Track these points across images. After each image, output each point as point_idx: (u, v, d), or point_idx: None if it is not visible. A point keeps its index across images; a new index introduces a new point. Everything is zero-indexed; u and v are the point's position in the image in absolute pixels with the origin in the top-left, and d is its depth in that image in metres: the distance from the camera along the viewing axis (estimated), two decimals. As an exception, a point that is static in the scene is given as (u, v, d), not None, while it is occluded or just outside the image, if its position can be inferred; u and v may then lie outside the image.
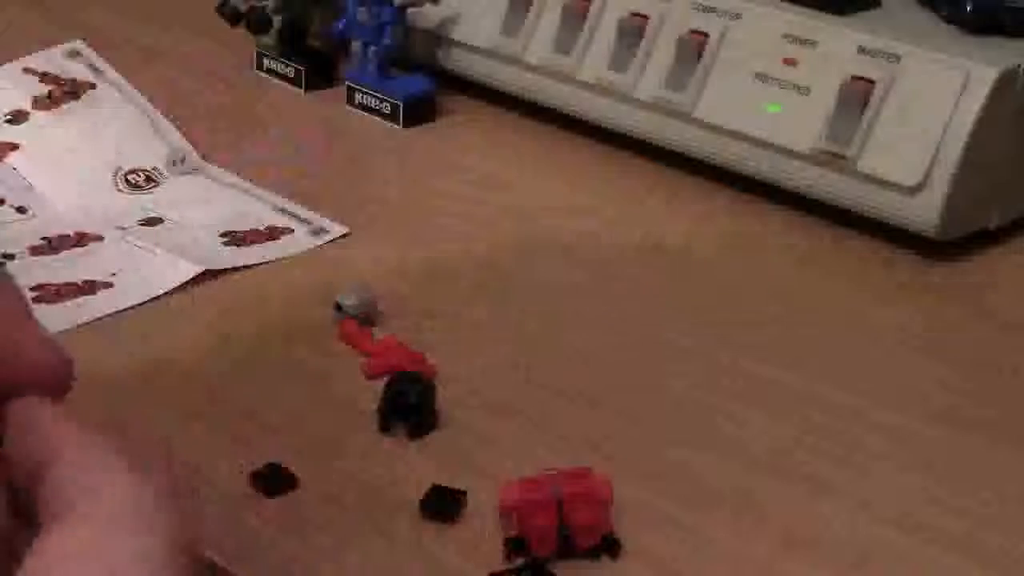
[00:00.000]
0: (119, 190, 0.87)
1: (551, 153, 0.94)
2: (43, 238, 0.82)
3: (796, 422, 0.68)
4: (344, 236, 0.83)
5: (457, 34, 0.99)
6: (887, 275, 0.82)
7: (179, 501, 0.42)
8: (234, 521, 0.61)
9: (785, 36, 0.86)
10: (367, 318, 0.74)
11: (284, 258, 0.81)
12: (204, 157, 0.91)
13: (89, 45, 0.96)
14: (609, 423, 0.68)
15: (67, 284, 0.77)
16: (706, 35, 0.88)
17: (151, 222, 0.84)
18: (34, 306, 0.75)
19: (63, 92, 0.92)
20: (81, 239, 0.82)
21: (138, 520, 0.40)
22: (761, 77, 0.86)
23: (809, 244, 0.84)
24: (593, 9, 0.92)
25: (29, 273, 0.78)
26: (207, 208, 0.86)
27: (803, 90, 0.84)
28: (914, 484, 0.65)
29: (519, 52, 0.95)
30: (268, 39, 1.03)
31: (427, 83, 0.98)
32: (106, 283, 0.78)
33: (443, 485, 0.62)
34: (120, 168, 0.88)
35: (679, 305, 0.78)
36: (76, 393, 0.70)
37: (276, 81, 1.03)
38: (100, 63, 0.95)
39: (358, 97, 0.99)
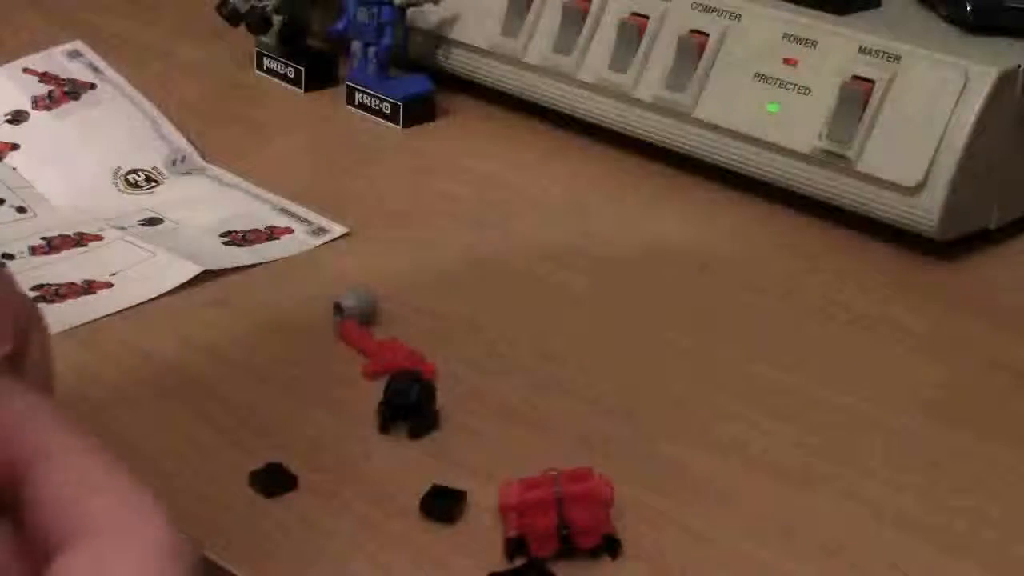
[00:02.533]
0: (119, 190, 0.87)
1: (551, 153, 0.94)
2: (43, 238, 0.82)
3: (796, 422, 0.68)
4: (344, 236, 0.83)
5: (457, 34, 0.99)
6: (887, 275, 0.82)
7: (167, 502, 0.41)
8: (234, 521, 0.61)
9: (785, 36, 0.86)
10: (367, 318, 0.74)
11: (284, 258, 0.81)
12: (204, 157, 0.91)
13: (89, 45, 0.96)
14: (609, 423, 0.68)
15: (67, 284, 0.77)
16: (706, 35, 0.88)
17: (151, 222, 0.84)
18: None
19: (63, 92, 0.92)
20: (81, 239, 0.82)
21: (145, 535, 0.40)
22: (761, 77, 0.86)
23: (809, 244, 0.84)
24: (593, 9, 0.92)
25: (29, 273, 0.78)
26: (207, 208, 0.86)
27: (803, 90, 0.84)
28: (913, 484, 0.65)
29: (519, 52, 0.95)
30: (268, 39, 1.03)
31: (427, 83, 0.98)
32: (106, 283, 0.78)
33: (443, 485, 0.62)
34: (120, 168, 0.88)
35: (679, 304, 0.78)
36: (76, 394, 0.70)
37: (276, 81, 1.03)
38: (100, 63, 0.95)
39: (358, 97, 0.99)
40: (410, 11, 0.98)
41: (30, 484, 0.41)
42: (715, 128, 0.87)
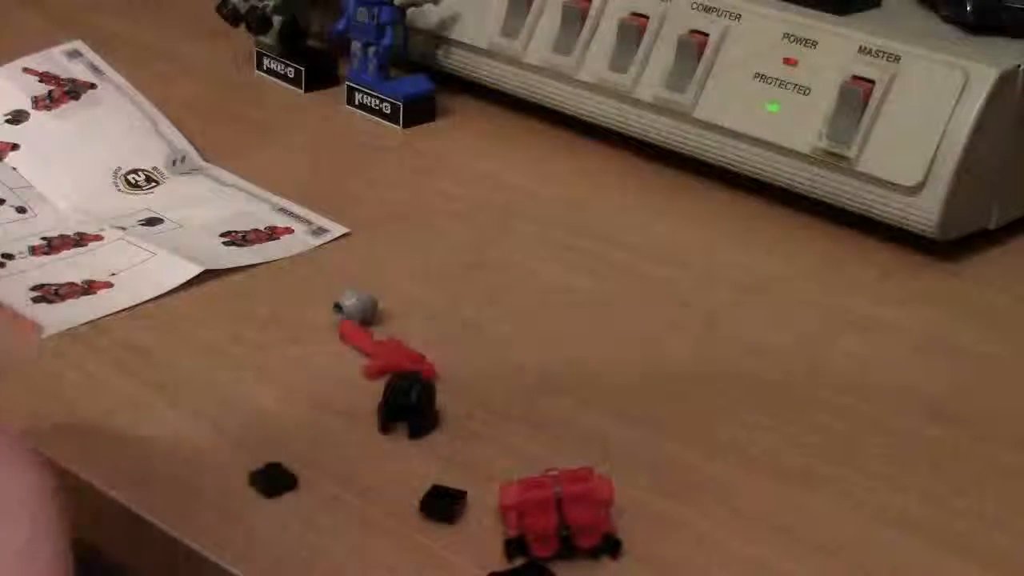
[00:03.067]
0: (119, 190, 0.87)
1: (551, 153, 0.94)
2: (43, 238, 0.82)
3: (796, 422, 0.68)
4: (344, 236, 0.83)
5: (457, 34, 0.99)
6: (887, 275, 0.82)
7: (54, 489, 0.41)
8: (234, 521, 0.61)
9: (785, 36, 0.86)
10: (367, 318, 0.74)
11: (284, 258, 0.81)
12: (204, 157, 0.91)
13: (89, 45, 0.96)
14: (609, 423, 0.68)
15: (67, 284, 0.77)
16: (706, 35, 0.88)
17: (151, 222, 0.84)
18: (34, 306, 0.76)
19: (63, 92, 0.92)
20: (81, 239, 0.82)
21: (18, 513, 0.40)
22: (761, 77, 0.86)
23: (809, 244, 0.84)
24: (593, 9, 0.92)
25: (29, 273, 0.78)
26: (207, 208, 0.86)
27: (803, 90, 0.84)
28: (914, 483, 0.64)
29: (519, 52, 0.95)
30: (268, 39, 1.03)
31: (427, 83, 0.98)
32: (106, 283, 0.78)
33: (443, 485, 0.62)
34: (120, 168, 0.88)
35: (679, 305, 0.78)
36: (76, 393, 0.70)
37: (276, 81, 1.03)
38: (100, 63, 0.95)
39: (358, 97, 0.99)
40: (410, 11, 0.98)
41: None
42: (715, 128, 0.87)
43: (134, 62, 0.99)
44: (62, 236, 0.82)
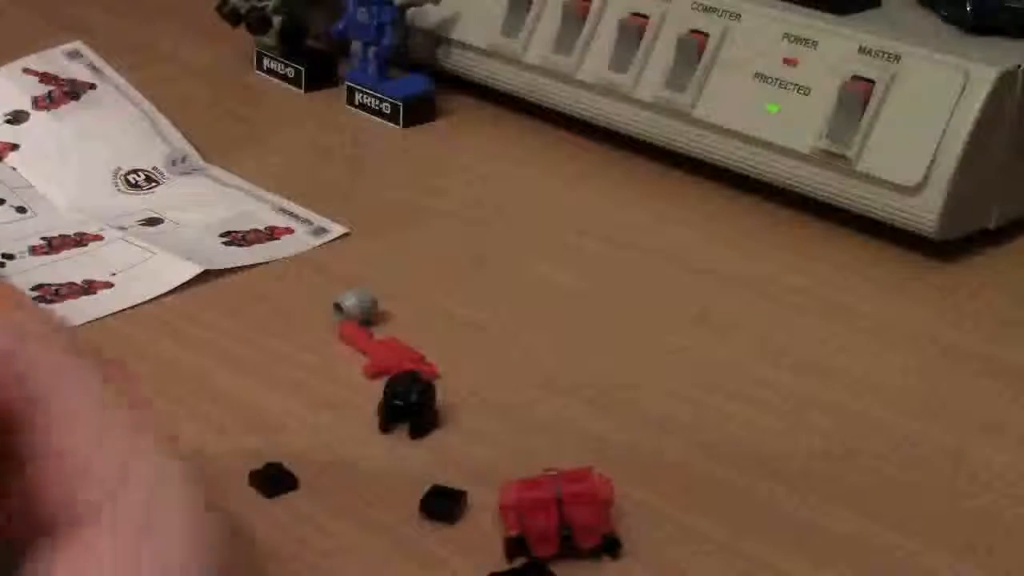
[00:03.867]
0: (119, 190, 0.87)
1: (551, 153, 0.94)
2: (43, 238, 0.82)
3: (796, 422, 0.68)
4: (344, 236, 0.83)
5: (457, 34, 0.99)
6: (887, 275, 0.82)
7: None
8: (234, 521, 0.61)
9: (785, 36, 0.86)
10: (367, 318, 0.74)
11: (284, 258, 0.81)
12: (204, 157, 0.91)
13: (89, 45, 0.96)
14: (609, 423, 0.68)
15: (67, 284, 0.77)
16: (706, 35, 0.88)
17: (151, 222, 0.84)
18: (34, 306, 0.75)
19: (63, 92, 0.92)
20: (81, 239, 0.82)
21: (167, 526, 0.35)
22: (761, 77, 0.86)
23: (809, 244, 0.84)
24: (593, 9, 0.92)
25: (29, 273, 0.78)
26: (207, 208, 0.86)
27: (803, 90, 0.84)
28: (913, 483, 0.65)
29: (519, 52, 0.95)
30: (268, 39, 1.03)
31: (427, 83, 0.98)
32: (106, 283, 0.78)
33: (443, 485, 0.62)
34: (120, 168, 0.88)
35: (678, 304, 0.78)
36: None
37: (276, 81, 1.03)
38: (100, 63, 0.95)
39: (358, 97, 0.99)
40: (410, 11, 0.98)
41: (35, 431, 0.36)
42: (715, 128, 0.87)
43: (134, 62, 0.99)
44: (62, 236, 0.82)
